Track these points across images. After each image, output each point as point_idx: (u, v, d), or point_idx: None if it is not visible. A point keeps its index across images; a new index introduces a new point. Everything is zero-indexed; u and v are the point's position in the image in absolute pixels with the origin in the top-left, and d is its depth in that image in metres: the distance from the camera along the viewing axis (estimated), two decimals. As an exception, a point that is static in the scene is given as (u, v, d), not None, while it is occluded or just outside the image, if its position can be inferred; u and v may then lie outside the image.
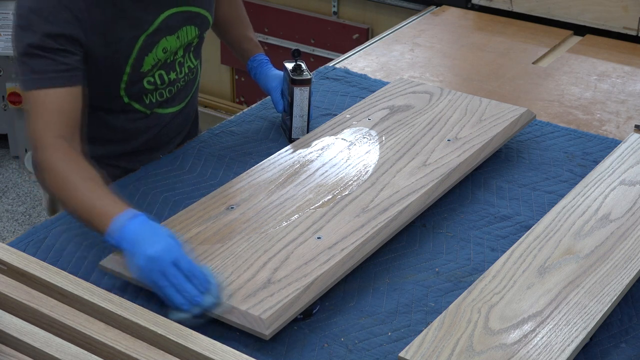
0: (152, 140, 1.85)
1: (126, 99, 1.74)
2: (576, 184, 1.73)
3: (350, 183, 1.67)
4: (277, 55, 3.38)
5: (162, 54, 1.72)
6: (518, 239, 1.54)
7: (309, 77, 1.87)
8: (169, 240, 1.38)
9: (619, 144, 1.92)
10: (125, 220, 1.40)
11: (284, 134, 1.96)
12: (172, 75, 1.78)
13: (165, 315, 1.29)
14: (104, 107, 1.74)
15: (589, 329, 1.32)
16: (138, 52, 1.67)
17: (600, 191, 1.67)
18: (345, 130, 1.86)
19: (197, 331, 1.25)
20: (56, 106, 1.55)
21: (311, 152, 1.78)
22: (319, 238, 1.51)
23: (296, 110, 1.89)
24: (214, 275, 1.38)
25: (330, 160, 1.75)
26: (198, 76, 1.89)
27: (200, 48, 1.86)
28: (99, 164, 1.77)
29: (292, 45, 3.40)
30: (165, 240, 1.37)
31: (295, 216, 1.57)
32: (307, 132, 1.92)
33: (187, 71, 1.82)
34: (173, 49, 1.74)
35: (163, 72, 1.76)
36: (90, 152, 1.77)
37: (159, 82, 1.76)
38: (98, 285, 1.40)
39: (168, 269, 1.34)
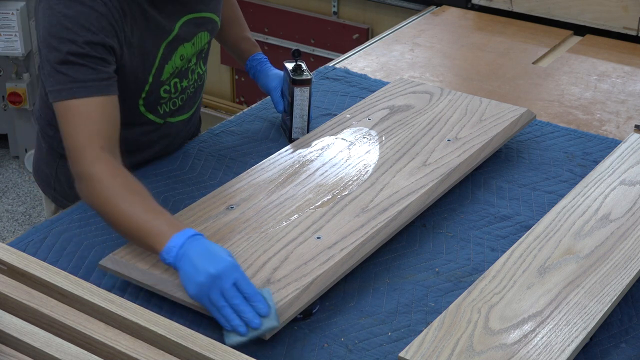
0: (162, 150, 1.84)
1: (142, 109, 1.73)
2: (576, 184, 1.73)
3: (350, 183, 1.67)
4: (277, 55, 3.38)
5: (179, 61, 1.71)
6: (518, 239, 1.54)
7: (309, 77, 1.87)
8: (230, 260, 1.35)
9: (619, 144, 1.92)
10: (184, 239, 1.37)
11: (284, 134, 1.96)
12: (185, 83, 1.77)
13: (166, 316, 1.29)
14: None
15: (589, 329, 1.32)
16: (160, 60, 1.66)
17: (600, 191, 1.67)
18: (345, 130, 1.86)
19: (197, 331, 1.25)
20: (99, 116, 1.51)
21: (311, 152, 1.78)
22: (318, 238, 1.51)
23: (296, 110, 1.89)
24: (273, 299, 1.35)
25: (330, 160, 1.75)
26: (204, 82, 1.89)
27: (208, 54, 1.86)
28: None
29: (292, 45, 3.40)
30: (226, 260, 1.35)
31: (295, 216, 1.57)
32: (307, 132, 1.92)
33: (196, 78, 1.81)
34: (189, 55, 1.74)
35: (177, 80, 1.75)
36: None
37: (173, 90, 1.75)
38: (98, 285, 1.40)
39: (228, 289, 1.33)
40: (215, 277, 1.33)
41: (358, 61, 2.44)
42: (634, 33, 2.62)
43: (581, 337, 1.30)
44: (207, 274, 1.33)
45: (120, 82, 1.58)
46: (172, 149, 1.88)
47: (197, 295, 1.34)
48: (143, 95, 1.69)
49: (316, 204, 1.60)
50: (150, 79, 1.67)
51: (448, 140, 1.82)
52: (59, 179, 1.82)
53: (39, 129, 1.83)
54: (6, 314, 1.24)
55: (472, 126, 1.88)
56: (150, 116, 1.75)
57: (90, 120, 1.50)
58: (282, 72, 1.94)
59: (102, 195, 1.46)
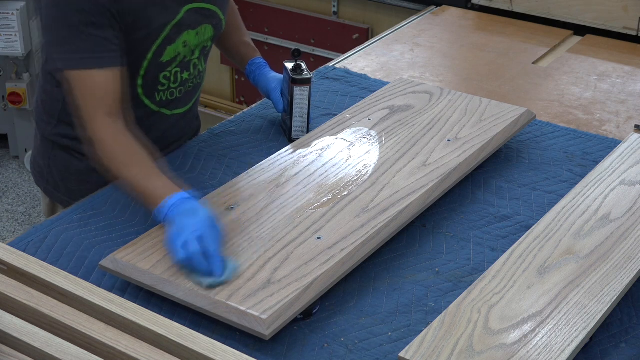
0: (153, 142, 1.84)
1: (140, 91, 1.75)
2: (576, 184, 1.73)
3: (350, 183, 1.67)
4: (277, 55, 3.38)
5: (182, 47, 1.74)
6: (518, 239, 1.54)
7: (309, 76, 1.87)
8: (204, 214, 1.46)
9: (619, 144, 1.92)
10: (175, 200, 1.49)
11: (284, 134, 1.96)
12: (185, 75, 1.80)
13: (166, 316, 1.29)
14: None
15: (589, 329, 1.32)
16: (163, 40, 1.70)
17: (600, 191, 1.67)
18: (345, 130, 1.86)
19: (197, 331, 1.25)
20: (105, 86, 1.60)
21: (311, 152, 1.78)
22: (319, 238, 1.51)
23: (296, 110, 1.89)
24: (231, 273, 1.43)
25: (330, 160, 1.75)
26: (203, 81, 1.90)
27: (209, 53, 1.87)
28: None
29: (292, 45, 3.40)
30: (201, 214, 1.45)
31: (295, 216, 1.57)
32: (307, 132, 1.92)
33: (197, 73, 1.83)
34: (192, 45, 1.76)
35: (178, 70, 1.77)
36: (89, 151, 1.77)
37: (172, 79, 1.78)
38: (98, 285, 1.40)
39: (191, 240, 1.42)
40: (181, 229, 1.43)
41: (358, 61, 2.44)
42: (634, 33, 2.62)
43: (581, 337, 1.30)
44: (180, 225, 1.44)
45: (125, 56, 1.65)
46: (161, 145, 1.87)
47: (167, 246, 1.45)
48: (142, 72, 1.72)
49: (316, 204, 1.60)
50: (150, 56, 1.70)
51: (448, 140, 1.82)
52: (51, 170, 1.84)
53: (35, 120, 1.87)
54: (6, 314, 1.24)
55: (472, 126, 1.88)
56: (147, 101, 1.78)
57: (96, 89, 1.60)
58: (281, 75, 1.94)
59: (106, 159, 1.59)
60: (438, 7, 2.90)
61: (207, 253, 1.41)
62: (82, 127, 1.62)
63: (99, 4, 1.57)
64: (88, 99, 1.59)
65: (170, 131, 1.87)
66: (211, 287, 1.39)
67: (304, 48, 3.39)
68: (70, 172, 1.82)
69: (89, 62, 1.59)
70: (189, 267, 1.41)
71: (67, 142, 1.80)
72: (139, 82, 1.74)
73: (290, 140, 1.91)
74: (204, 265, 1.40)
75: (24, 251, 1.47)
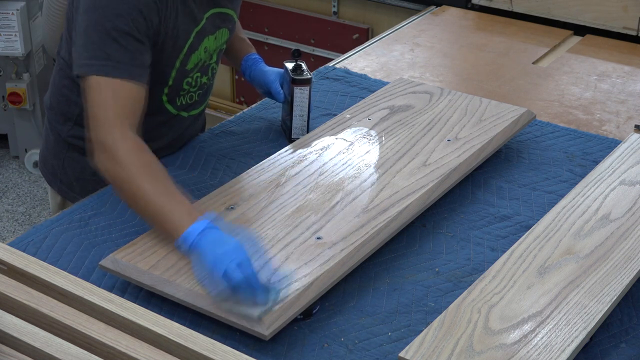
0: (169, 144, 1.86)
1: (165, 99, 1.76)
2: (576, 184, 1.73)
3: (350, 183, 1.67)
4: (277, 55, 3.38)
5: (203, 53, 1.75)
6: (518, 239, 1.54)
7: (309, 76, 1.88)
8: (235, 242, 1.38)
9: (619, 144, 1.92)
10: (200, 229, 1.40)
11: (284, 134, 1.96)
12: (204, 79, 1.81)
13: (166, 316, 1.29)
14: None
15: (589, 329, 1.32)
16: (188, 48, 1.70)
17: (600, 191, 1.67)
18: (345, 130, 1.86)
19: (197, 331, 1.25)
20: (129, 98, 1.55)
21: (311, 152, 1.78)
22: (318, 238, 1.51)
23: (296, 110, 1.89)
24: (275, 300, 1.37)
25: (330, 160, 1.75)
26: (214, 81, 1.91)
27: (222, 54, 1.89)
28: None
29: (292, 45, 3.40)
30: (231, 242, 1.38)
31: (295, 216, 1.56)
32: (307, 132, 1.92)
33: (211, 76, 1.85)
34: (211, 50, 1.77)
35: (199, 75, 1.78)
36: None
37: (193, 83, 1.78)
38: (98, 285, 1.40)
39: (233, 268, 1.35)
40: (219, 258, 1.35)
41: (358, 61, 2.44)
42: (634, 33, 2.62)
43: (581, 337, 1.30)
44: (213, 255, 1.35)
45: (151, 67, 1.62)
46: (177, 145, 1.89)
47: (203, 279, 1.36)
48: (170, 82, 1.72)
49: (316, 204, 1.60)
50: (178, 65, 1.70)
51: (448, 140, 1.82)
52: (66, 170, 1.84)
53: (48, 120, 1.85)
54: (6, 314, 1.24)
55: (472, 126, 1.88)
56: (168, 106, 1.78)
57: (121, 99, 1.54)
58: (278, 69, 1.94)
59: (124, 172, 1.48)
60: (438, 7, 2.90)
61: (250, 280, 1.35)
62: (97, 132, 1.53)
63: (138, 10, 1.54)
64: (112, 107, 1.52)
65: (185, 132, 1.89)
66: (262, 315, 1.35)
67: (304, 48, 3.39)
68: (86, 173, 1.82)
69: (124, 72, 1.54)
70: (231, 296, 1.35)
71: (83, 143, 1.79)
72: (165, 90, 1.74)
73: (290, 140, 1.91)
74: (249, 293, 1.34)
75: (24, 251, 1.47)
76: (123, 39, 1.55)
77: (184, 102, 1.81)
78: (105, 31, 1.54)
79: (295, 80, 1.86)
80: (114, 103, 1.53)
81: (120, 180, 1.49)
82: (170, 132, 1.84)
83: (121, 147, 1.49)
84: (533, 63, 2.47)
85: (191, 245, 1.40)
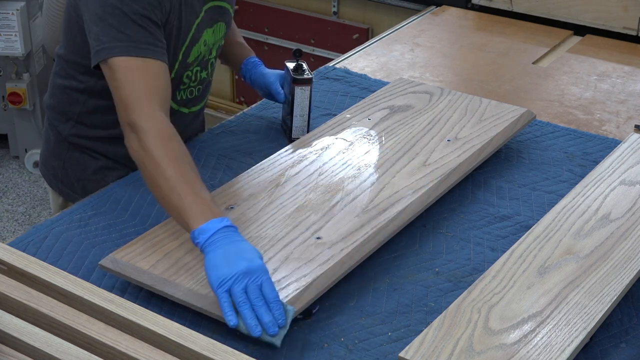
0: None
1: None
2: (576, 184, 1.73)
3: (350, 183, 1.67)
4: (277, 55, 3.38)
5: (203, 47, 1.76)
6: (518, 239, 1.54)
7: (310, 76, 1.88)
8: (261, 263, 1.36)
9: (619, 144, 1.92)
10: (220, 226, 1.38)
11: (284, 133, 1.96)
12: (204, 74, 1.82)
13: (166, 316, 1.29)
14: None
15: (589, 329, 1.32)
16: (190, 40, 1.71)
17: (600, 191, 1.67)
18: (345, 130, 1.86)
19: (197, 331, 1.25)
20: (156, 77, 1.55)
21: (311, 152, 1.78)
22: (318, 238, 1.51)
23: (297, 110, 1.89)
24: (290, 319, 1.35)
25: (330, 160, 1.75)
26: (212, 78, 1.92)
27: (220, 52, 1.89)
28: (115, 163, 1.77)
29: (292, 45, 3.40)
30: (258, 261, 1.35)
31: (295, 216, 1.56)
32: (307, 131, 1.92)
33: (211, 72, 1.86)
34: (210, 44, 1.78)
35: (198, 69, 1.80)
36: (107, 151, 1.77)
37: (193, 78, 1.80)
38: (98, 285, 1.40)
39: (254, 288, 1.32)
40: (243, 273, 1.33)
41: (358, 61, 2.44)
42: (634, 33, 2.62)
43: (581, 337, 1.30)
44: (237, 268, 1.33)
45: None
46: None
47: (218, 284, 1.33)
48: (172, 75, 1.72)
49: (316, 204, 1.60)
50: (180, 57, 1.71)
51: (448, 140, 1.82)
52: (67, 171, 1.84)
53: (48, 120, 1.85)
54: (6, 314, 1.24)
55: (472, 126, 1.88)
56: (170, 102, 1.77)
57: (149, 78, 1.54)
58: (278, 70, 1.95)
59: (151, 153, 1.46)
60: (438, 7, 2.90)
61: (269, 301, 1.33)
62: (127, 112, 1.52)
63: (157, 2, 1.57)
64: (141, 86, 1.52)
65: (185, 131, 1.88)
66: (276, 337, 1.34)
67: (304, 48, 3.39)
68: (87, 172, 1.82)
69: (148, 51, 1.55)
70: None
71: (84, 142, 1.80)
72: None
73: (290, 140, 1.91)
74: (268, 316, 1.32)
75: (24, 251, 1.47)
76: (142, 21, 1.56)
77: (184, 97, 1.81)
78: (124, 14, 1.55)
79: (296, 79, 1.86)
80: (142, 82, 1.53)
81: (145, 161, 1.47)
82: None
83: (150, 128, 1.48)
84: (533, 63, 2.47)
85: (207, 240, 1.37)
